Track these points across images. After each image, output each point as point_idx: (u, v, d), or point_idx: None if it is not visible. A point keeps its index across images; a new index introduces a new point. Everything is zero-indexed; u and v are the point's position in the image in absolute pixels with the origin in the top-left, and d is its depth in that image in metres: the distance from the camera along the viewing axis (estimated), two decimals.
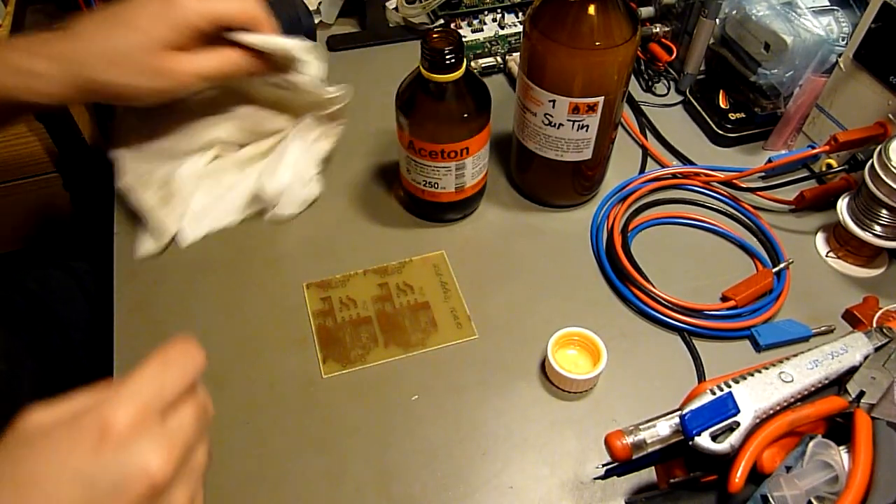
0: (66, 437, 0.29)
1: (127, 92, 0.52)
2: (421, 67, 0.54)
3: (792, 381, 0.38)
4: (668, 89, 0.79)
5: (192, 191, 0.61)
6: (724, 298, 0.57)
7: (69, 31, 0.52)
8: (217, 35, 0.54)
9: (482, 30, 0.80)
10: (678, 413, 0.38)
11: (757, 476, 0.36)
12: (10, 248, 0.55)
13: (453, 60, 0.52)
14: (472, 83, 0.56)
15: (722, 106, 0.73)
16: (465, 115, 0.55)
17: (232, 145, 0.64)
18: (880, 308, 0.56)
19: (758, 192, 0.66)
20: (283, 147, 0.63)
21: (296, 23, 0.80)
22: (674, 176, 0.68)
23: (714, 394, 0.38)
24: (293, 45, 0.57)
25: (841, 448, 0.36)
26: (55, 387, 0.52)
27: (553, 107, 0.56)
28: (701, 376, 0.53)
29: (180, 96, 0.56)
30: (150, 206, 0.60)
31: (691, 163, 0.70)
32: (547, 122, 0.57)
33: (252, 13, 0.54)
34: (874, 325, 0.54)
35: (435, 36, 0.52)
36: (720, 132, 0.71)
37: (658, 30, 0.77)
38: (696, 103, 0.74)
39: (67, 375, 0.67)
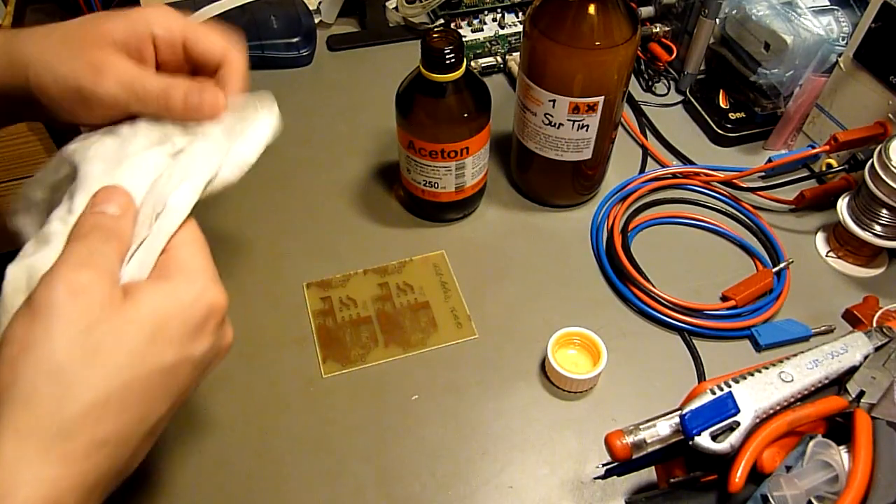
0: None
1: (51, 81, 0.43)
2: (421, 67, 0.54)
3: (792, 380, 0.38)
4: (668, 89, 0.79)
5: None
6: (724, 298, 0.57)
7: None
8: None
9: (482, 30, 0.80)
10: (678, 413, 0.38)
11: (757, 476, 0.36)
12: (11, 247, 0.55)
13: (453, 60, 0.52)
14: (472, 83, 0.56)
15: (722, 106, 0.73)
16: (465, 115, 0.55)
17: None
18: (880, 308, 0.56)
19: (758, 192, 0.66)
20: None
21: (296, 23, 0.80)
22: (674, 176, 0.68)
23: (714, 393, 0.38)
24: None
25: (841, 448, 0.36)
26: None
27: (553, 106, 0.56)
28: (701, 376, 0.53)
29: (103, 117, 0.44)
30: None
31: (691, 163, 0.70)
32: (547, 121, 0.57)
33: (223, 45, 0.45)
34: (874, 324, 0.54)
35: (435, 36, 0.52)
36: (720, 132, 0.71)
37: (658, 30, 0.77)
38: (696, 103, 0.74)
39: None
